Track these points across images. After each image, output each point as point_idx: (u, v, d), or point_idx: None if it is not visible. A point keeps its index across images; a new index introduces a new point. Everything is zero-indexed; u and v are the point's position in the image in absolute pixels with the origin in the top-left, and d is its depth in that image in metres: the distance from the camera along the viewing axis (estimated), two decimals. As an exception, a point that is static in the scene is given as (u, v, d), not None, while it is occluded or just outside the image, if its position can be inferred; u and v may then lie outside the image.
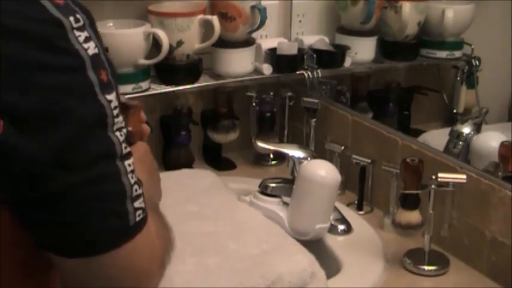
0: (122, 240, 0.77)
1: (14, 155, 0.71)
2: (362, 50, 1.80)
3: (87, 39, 0.75)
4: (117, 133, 0.77)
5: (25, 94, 0.71)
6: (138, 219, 0.78)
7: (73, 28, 0.74)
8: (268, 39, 1.78)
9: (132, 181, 0.78)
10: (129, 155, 0.79)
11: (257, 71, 1.72)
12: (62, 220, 0.75)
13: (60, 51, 0.73)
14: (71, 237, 0.76)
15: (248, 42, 1.70)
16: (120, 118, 0.78)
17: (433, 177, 1.31)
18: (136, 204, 0.78)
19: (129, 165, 0.78)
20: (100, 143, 0.75)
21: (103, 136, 0.76)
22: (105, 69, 0.77)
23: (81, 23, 0.75)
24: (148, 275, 0.82)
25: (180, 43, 1.60)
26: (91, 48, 0.75)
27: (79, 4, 0.77)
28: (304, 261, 1.17)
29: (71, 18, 0.74)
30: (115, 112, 0.77)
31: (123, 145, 0.78)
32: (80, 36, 0.74)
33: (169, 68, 1.63)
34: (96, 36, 0.77)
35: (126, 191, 0.77)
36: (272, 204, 1.42)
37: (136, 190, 0.78)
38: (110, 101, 0.76)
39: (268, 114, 1.78)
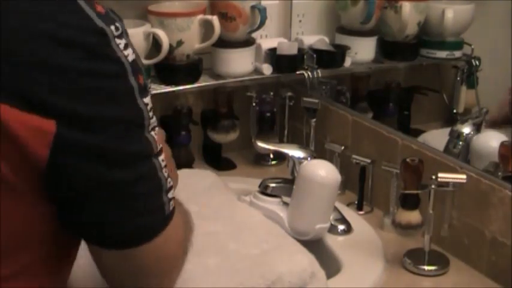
0: (158, 230, 0.84)
1: (63, 151, 0.77)
2: (362, 50, 1.80)
3: (126, 46, 0.80)
4: (152, 132, 0.83)
5: (72, 98, 0.76)
6: (171, 208, 0.85)
7: (114, 36, 0.79)
8: (268, 39, 1.78)
9: (166, 175, 0.84)
10: (161, 151, 0.85)
11: (257, 71, 1.72)
12: (101, 215, 0.81)
13: (104, 58, 0.79)
14: (110, 232, 0.82)
15: (248, 42, 1.70)
16: (154, 118, 0.84)
17: (433, 177, 1.31)
18: (170, 195, 0.85)
19: (162, 160, 0.84)
20: (139, 144, 0.81)
21: (141, 137, 0.82)
22: (142, 74, 0.82)
23: (120, 31, 0.80)
24: (176, 260, 0.89)
25: (180, 43, 1.60)
26: (130, 55, 0.80)
27: (114, 12, 0.82)
28: (304, 261, 1.17)
29: (112, 27, 0.79)
30: (150, 114, 0.82)
31: (157, 143, 0.84)
32: (120, 44, 0.80)
33: (169, 68, 1.63)
34: (131, 41, 0.83)
35: (162, 185, 0.83)
36: (272, 204, 1.42)
37: (169, 182, 0.85)
38: (146, 104, 0.82)
39: (268, 114, 1.78)
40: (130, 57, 0.80)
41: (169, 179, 0.85)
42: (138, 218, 0.82)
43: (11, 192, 0.78)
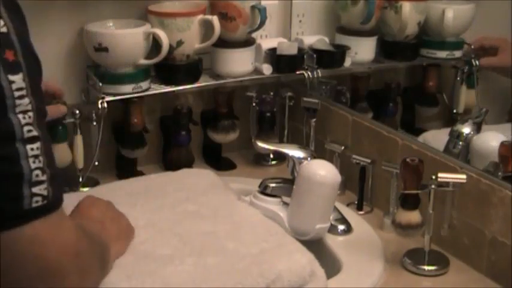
0: (15, 223, 0.76)
1: None
2: (362, 50, 1.80)
3: None
4: (20, 115, 0.75)
5: None
6: (34, 205, 0.77)
7: None
8: (268, 39, 1.78)
9: (33, 166, 0.76)
10: (34, 140, 0.77)
11: (257, 71, 1.72)
12: None
13: None
14: None
15: (248, 42, 1.70)
16: (26, 100, 0.76)
17: (433, 177, 1.31)
18: (35, 190, 0.77)
19: (32, 149, 0.76)
20: None
21: (1, 117, 0.74)
22: (12, 49, 0.75)
23: None
24: (60, 269, 0.79)
25: (180, 43, 1.60)
26: (1, 26, 0.74)
27: None
28: (304, 259, 1.17)
29: None
30: (17, 93, 0.75)
31: (26, 128, 0.76)
32: None
33: (169, 68, 1.63)
34: (11, 16, 0.76)
35: (24, 174, 0.76)
36: (272, 204, 1.42)
37: (37, 176, 0.77)
38: (12, 82, 0.75)
39: (268, 114, 1.78)
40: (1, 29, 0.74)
41: (36, 172, 0.76)
42: None
43: None
